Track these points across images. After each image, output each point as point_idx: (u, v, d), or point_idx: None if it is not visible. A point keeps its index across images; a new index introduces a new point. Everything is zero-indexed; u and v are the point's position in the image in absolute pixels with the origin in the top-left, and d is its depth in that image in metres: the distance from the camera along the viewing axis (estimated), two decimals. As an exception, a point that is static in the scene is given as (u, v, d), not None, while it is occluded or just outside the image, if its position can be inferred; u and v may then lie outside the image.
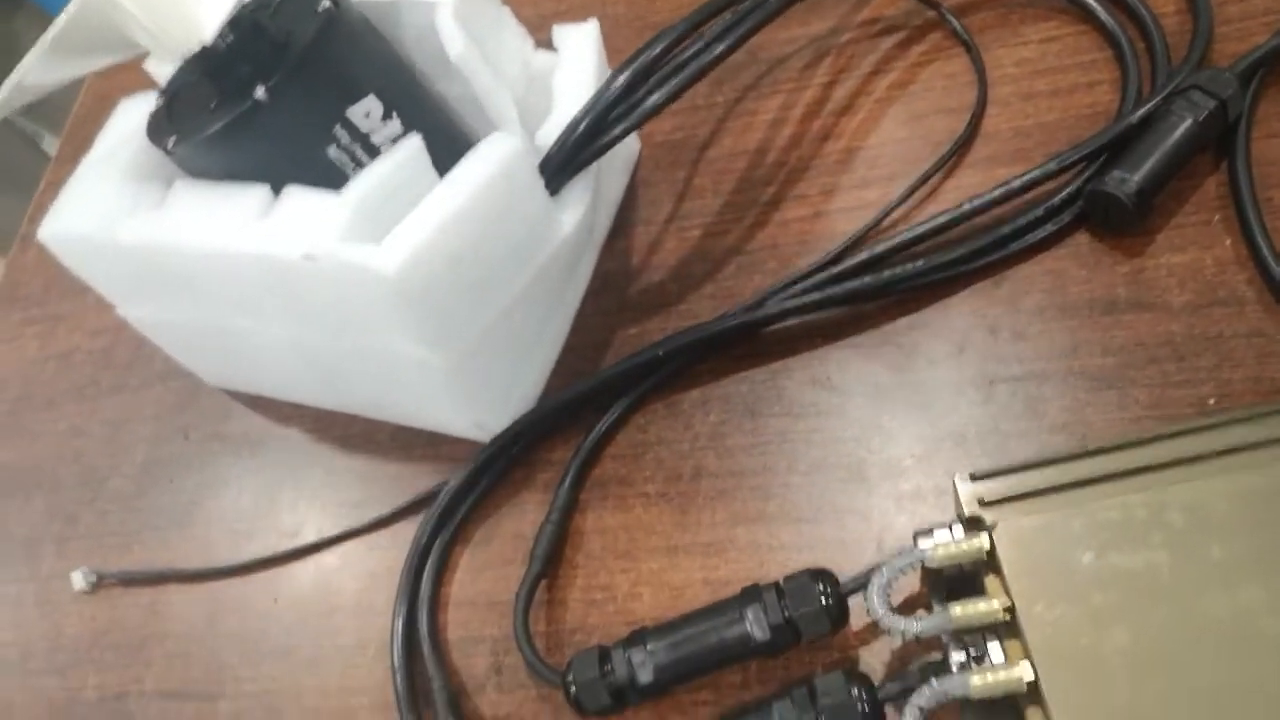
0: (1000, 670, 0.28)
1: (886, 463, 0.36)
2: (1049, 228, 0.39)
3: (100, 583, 0.44)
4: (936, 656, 0.31)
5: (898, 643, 0.33)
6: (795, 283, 0.40)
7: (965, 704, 0.30)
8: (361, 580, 0.40)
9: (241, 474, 0.45)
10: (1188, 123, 0.37)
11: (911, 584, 0.33)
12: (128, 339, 0.51)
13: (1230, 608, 0.27)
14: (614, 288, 0.44)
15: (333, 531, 0.41)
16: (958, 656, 0.29)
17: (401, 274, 0.32)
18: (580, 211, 0.39)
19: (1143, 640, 0.27)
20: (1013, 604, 0.29)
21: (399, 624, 0.37)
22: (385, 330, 0.36)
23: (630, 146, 0.47)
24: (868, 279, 0.39)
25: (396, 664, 0.36)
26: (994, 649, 0.29)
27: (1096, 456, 0.30)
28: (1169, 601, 0.28)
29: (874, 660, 0.33)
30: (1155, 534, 0.29)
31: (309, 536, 0.42)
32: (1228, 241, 0.37)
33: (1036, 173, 0.39)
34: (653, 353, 0.40)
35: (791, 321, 0.40)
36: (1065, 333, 0.37)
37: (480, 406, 0.40)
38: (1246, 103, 0.38)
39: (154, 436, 0.48)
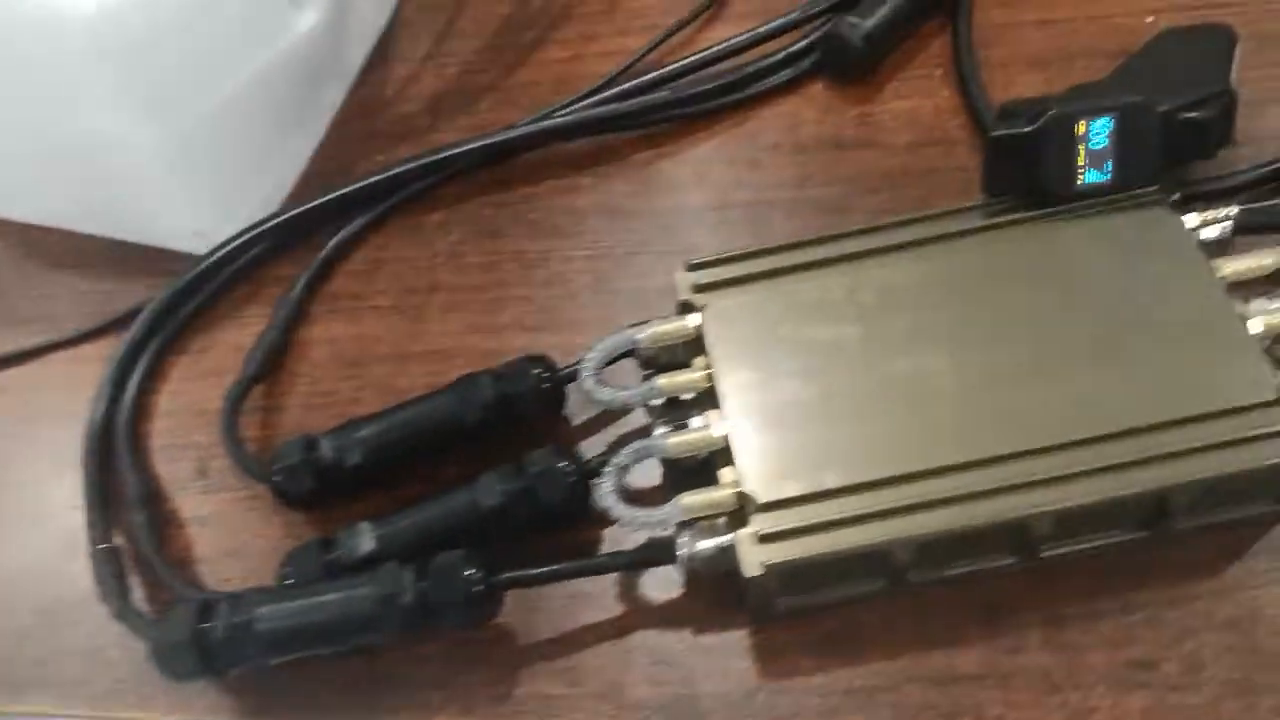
0: (696, 432, 0.29)
1: (622, 278, 0.37)
2: (788, 73, 0.40)
3: None
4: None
5: (610, 411, 0.33)
6: (549, 115, 0.40)
7: (671, 476, 0.31)
8: (65, 392, 0.37)
9: (-67, 292, 0.41)
10: (917, -19, 0.40)
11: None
12: None
13: (912, 369, 0.29)
14: (365, 117, 0.43)
15: (32, 344, 0.38)
16: (661, 430, 0.30)
17: (100, 19, 0.30)
18: (317, 14, 0.38)
19: (831, 396, 0.28)
20: (712, 372, 0.29)
21: (95, 421, 0.34)
22: (89, 98, 0.33)
23: (392, -19, 0.45)
24: (617, 105, 0.39)
25: (85, 460, 0.33)
26: (695, 420, 0.30)
27: (803, 248, 0.32)
28: (857, 365, 0.29)
29: (589, 451, 0.33)
30: (848, 310, 0.30)
31: (7, 347, 0.38)
32: (946, 92, 0.39)
33: (779, 21, 0.40)
34: (396, 169, 0.39)
35: (541, 151, 0.40)
36: (796, 166, 0.38)
37: (202, 210, 0.37)
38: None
39: None
